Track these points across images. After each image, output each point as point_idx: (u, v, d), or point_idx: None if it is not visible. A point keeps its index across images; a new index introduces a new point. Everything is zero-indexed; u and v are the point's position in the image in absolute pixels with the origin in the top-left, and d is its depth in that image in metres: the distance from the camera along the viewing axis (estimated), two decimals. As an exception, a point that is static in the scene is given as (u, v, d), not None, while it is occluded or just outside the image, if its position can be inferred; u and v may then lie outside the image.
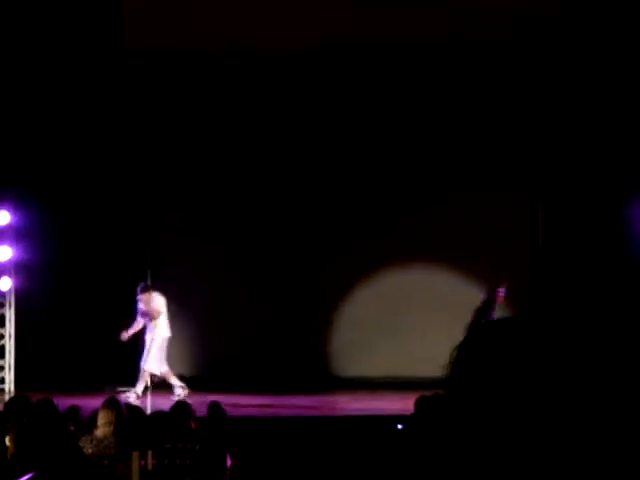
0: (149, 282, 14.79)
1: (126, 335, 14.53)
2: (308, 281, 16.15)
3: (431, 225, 16.06)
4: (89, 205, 15.90)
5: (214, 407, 10.00)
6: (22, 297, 15.79)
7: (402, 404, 12.13)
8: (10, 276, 15.83)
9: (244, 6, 15.36)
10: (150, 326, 14.39)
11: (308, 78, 15.76)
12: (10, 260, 15.80)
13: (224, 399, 12.73)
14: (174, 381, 14.32)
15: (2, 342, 15.78)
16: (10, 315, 15.83)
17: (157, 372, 14.33)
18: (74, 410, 9.09)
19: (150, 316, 14.33)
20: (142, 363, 14.33)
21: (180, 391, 14.02)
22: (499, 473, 1.50)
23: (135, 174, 16.11)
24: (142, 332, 15.44)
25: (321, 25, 15.22)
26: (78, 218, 15.88)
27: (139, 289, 14.44)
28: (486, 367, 1.53)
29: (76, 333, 15.79)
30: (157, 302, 14.36)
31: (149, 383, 14.33)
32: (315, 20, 15.26)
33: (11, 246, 15.79)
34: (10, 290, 15.84)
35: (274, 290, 16.07)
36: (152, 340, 14.33)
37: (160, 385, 15.71)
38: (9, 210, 15.72)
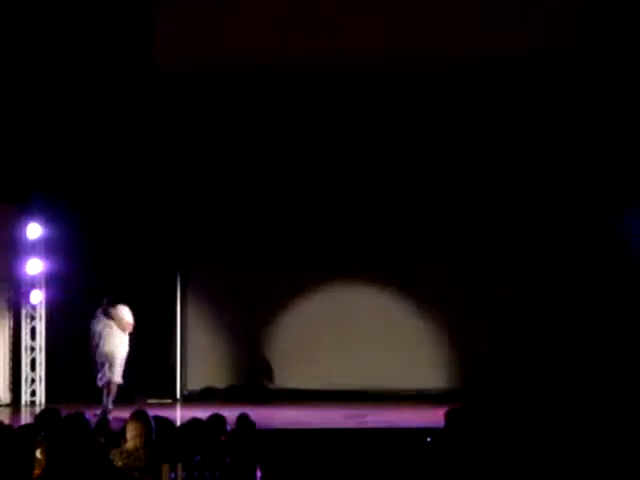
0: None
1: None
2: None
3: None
4: (118, 217, 15.96)
5: (242, 419, 9.99)
6: (53, 310, 15.88)
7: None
8: (41, 289, 15.92)
9: (272, 24, 15.41)
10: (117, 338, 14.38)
11: (334, 93, 15.80)
12: (41, 273, 15.90)
13: (255, 411, 12.79)
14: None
15: (33, 355, 15.86)
16: (41, 328, 15.92)
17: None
18: (104, 422, 9.11)
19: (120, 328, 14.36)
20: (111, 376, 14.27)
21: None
22: None
23: (164, 186, 16.15)
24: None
25: (347, 40, 15.26)
26: (108, 230, 15.95)
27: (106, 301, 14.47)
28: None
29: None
30: (127, 314, 14.44)
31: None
32: (342, 36, 15.31)
33: (42, 259, 15.89)
34: (41, 303, 15.93)
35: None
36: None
37: (191, 397, 15.76)
38: (40, 223, 15.81)
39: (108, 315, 14.37)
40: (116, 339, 14.32)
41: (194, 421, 9.07)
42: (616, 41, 15.34)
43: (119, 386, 14.27)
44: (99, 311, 14.43)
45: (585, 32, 15.42)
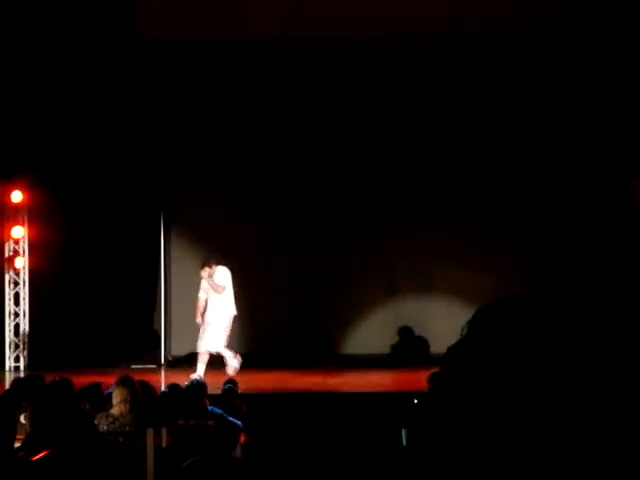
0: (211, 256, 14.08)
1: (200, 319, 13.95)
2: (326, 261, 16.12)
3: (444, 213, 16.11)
4: (101, 183, 15.88)
5: (228, 385, 10.04)
6: (36, 275, 15.86)
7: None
8: (24, 255, 15.90)
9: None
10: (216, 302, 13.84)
11: (327, 64, 15.77)
12: (24, 238, 15.87)
13: (240, 377, 12.82)
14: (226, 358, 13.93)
15: (17, 320, 15.85)
16: (24, 294, 15.90)
17: (215, 350, 13.83)
18: (95, 387, 9.11)
19: (215, 291, 13.78)
20: (216, 344, 13.75)
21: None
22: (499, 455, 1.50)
23: (147, 156, 16.08)
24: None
25: (334, 11, 15.19)
26: (91, 196, 15.88)
27: (202, 263, 13.83)
28: (490, 345, 1.53)
29: (90, 311, 15.82)
30: (222, 276, 13.84)
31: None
32: (329, 6, 15.24)
33: (24, 225, 15.85)
34: (24, 268, 15.91)
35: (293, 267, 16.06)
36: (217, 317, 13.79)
37: (176, 363, 15.76)
38: (22, 189, 15.75)
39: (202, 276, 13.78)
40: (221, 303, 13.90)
41: (175, 387, 9.11)
42: (600, 8, 15.30)
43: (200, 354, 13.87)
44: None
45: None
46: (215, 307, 13.78)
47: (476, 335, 1.57)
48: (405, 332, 16.13)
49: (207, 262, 13.77)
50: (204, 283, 13.84)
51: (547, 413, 1.52)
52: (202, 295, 13.89)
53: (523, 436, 1.52)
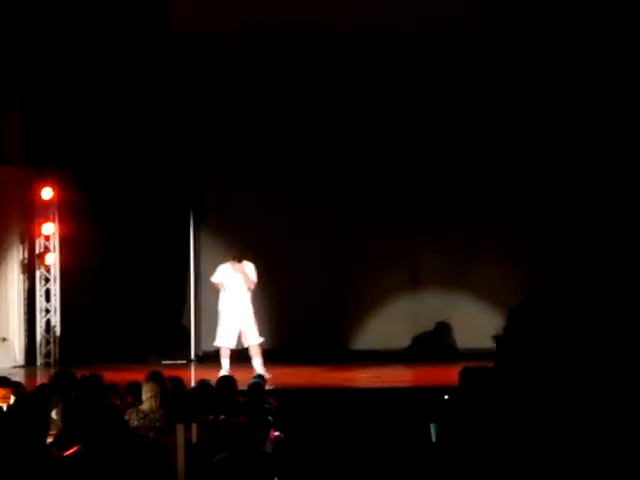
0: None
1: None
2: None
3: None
4: (131, 181, 15.94)
5: (255, 379, 10.05)
6: (67, 272, 15.94)
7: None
8: (54, 251, 15.98)
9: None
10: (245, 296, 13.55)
11: (349, 58, 15.80)
12: (54, 235, 15.96)
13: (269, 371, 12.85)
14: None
15: (47, 316, 15.94)
16: (55, 290, 15.99)
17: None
18: (114, 386, 9.16)
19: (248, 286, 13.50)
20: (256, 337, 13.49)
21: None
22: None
23: (177, 153, 16.12)
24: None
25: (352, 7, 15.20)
26: (121, 193, 15.95)
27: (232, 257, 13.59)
28: (535, 341, 1.53)
29: (120, 307, 15.89)
30: (252, 271, 13.57)
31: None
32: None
33: (55, 222, 15.94)
34: (55, 265, 15.99)
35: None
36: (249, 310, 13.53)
37: (206, 358, 15.80)
38: (52, 186, 15.84)
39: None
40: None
41: (205, 383, 9.14)
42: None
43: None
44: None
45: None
46: (248, 300, 13.64)
47: (520, 330, 1.57)
48: (432, 326, 16.10)
49: (241, 256, 13.67)
50: (227, 273, 13.67)
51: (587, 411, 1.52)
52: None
53: (569, 428, 1.52)
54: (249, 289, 13.50)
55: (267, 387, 11.98)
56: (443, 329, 16.03)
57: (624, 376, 1.53)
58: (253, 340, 13.37)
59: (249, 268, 13.50)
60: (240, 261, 13.48)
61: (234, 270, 13.48)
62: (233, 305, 13.41)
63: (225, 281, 13.52)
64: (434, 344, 15.94)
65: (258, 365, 13.21)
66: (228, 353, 13.40)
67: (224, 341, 13.43)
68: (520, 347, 1.58)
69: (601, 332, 1.57)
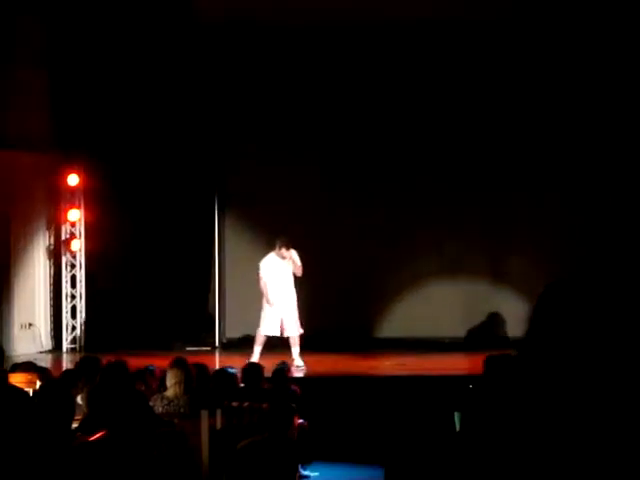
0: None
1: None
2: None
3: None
4: (156, 167, 15.97)
5: (279, 367, 10.06)
6: (92, 258, 16.00)
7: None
8: (80, 238, 16.05)
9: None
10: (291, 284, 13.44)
11: (373, 50, 15.81)
12: (80, 222, 16.02)
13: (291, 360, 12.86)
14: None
15: (73, 302, 16.02)
16: (81, 276, 16.06)
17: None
18: (144, 372, 9.18)
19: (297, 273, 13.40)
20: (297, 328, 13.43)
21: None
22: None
23: (202, 139, 16.14)
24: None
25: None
26: (146, 179, 15.98)
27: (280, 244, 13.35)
28: (563, 328, 1.53)
29: (145, 293, 15.94)
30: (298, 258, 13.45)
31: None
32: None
33: (81, 208, 16.00)
34: (81, 251, 16.06)
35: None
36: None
37: (231, 345, 15.83)
38: (78, 172, 15.90)
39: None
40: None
41: (223, 370, 9.15)
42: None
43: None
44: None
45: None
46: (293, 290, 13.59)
47: (548, 315, 1.57)
48: (459, 315, 16.06)
49: (287, 244, 13.40)
50: (273, 263, 13.50)
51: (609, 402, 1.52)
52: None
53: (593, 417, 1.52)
54: (295, 275, 13.36)
55: (298, 374, 12.05)
56: (470, 317, 15.98)
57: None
58: (294, 332, 13.35)
59: (294, 255, 13.38)
60: (288, 248, 13.35)
61: (279, 258, 13.40)
62: (279, 294, 13.34)
63: (271, 272, 13.34)
64: (461, 332, 15.89)
65: (296, 354, 13.23)
66: (263, 341, 13.40)
67: (269, 330, 13.36)
68: (548, 331, 1.58)
69: (619, 317, 1.57)
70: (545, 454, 1.53)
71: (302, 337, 13.46)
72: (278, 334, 13.37)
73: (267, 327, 13.37)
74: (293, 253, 13.37)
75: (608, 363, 1.53)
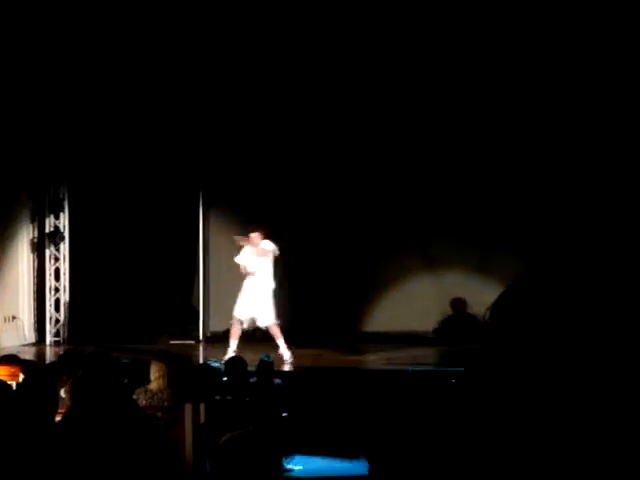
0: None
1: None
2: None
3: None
4: (142, 161, 15.94)
5: (263, 360, 10.06)
6: (76, 251, 15.98)
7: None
8: (64, 230, 16.02)
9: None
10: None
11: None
12: (65, 214, 16.00)
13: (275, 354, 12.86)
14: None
15: (57, 295, 15.99)
16: (65, 269, 16.03)
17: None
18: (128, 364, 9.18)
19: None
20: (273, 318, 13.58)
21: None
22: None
23: (187, 134, 16.12)
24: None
25: None
26: (131, 173, 15.95)
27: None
28: (522, 322, 1.54)
29: (129, 286, 15.92)
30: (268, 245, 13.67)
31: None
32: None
33: (65, 201, 15.99)
34: (65, 244, 16.03)
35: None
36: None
37: (215, 338, 15.82)
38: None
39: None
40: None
41: (206, 364, 9.16)
42: None
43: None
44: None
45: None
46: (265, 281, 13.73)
47: (506, 313, 1.59)
48: (447, 309, 16.09)
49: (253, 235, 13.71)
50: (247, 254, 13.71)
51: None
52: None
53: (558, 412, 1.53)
54: (271, 257, 13.54)
55: (286, 368, 12.07)
56: (457, 312, 16.01)
57: (611, 360, 1.54)
58: (268, 321, 13.43)
59: (264, 244, 13.56)
60: (262, 238, 13.55)
61: (250, 250, 13.58)
62: (252, 284, 13.51)
63: (247, 262, 13.59)
64: (449, 327, 15.92)
65: (282, 347, 13.30)
66: (238, 334, 13.43)
67: (239, 312, 13.47)
68: (505, 330, 1.60)
69: (587, 316, 1.58)
70: (526, 449, 1.55)
71: (286, 330, 13.49)
72: (245, 319, 13.44)
73: (237, 309, 13.49)
74: (267, 243, 13.49)
75: (571, 360, 1.55)
